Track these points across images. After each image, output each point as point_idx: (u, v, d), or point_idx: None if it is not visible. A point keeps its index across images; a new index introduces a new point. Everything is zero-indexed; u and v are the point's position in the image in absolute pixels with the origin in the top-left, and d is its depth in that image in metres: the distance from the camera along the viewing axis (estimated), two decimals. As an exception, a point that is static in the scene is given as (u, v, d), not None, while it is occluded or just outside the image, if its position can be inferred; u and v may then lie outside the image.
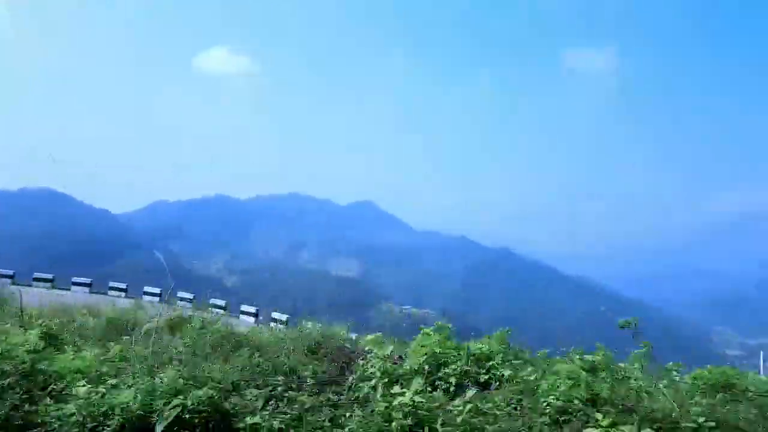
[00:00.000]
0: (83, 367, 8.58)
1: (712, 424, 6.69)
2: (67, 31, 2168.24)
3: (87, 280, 41.24)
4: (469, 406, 7.33)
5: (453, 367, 9.82)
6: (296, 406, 7.73)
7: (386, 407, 7.17)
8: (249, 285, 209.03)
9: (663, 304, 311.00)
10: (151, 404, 6.87)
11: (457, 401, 7.76)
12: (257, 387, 8.39)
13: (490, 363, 10.33)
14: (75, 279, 41.31)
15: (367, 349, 11.71)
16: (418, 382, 8.41)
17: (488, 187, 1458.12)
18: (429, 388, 8.91)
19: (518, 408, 7.91)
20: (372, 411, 7.40)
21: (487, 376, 9.84)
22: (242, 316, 34.77)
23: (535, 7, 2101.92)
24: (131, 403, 6.80)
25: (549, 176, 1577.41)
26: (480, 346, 11.40)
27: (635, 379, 9.45)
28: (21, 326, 11.58)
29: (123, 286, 40.03)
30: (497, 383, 9.52)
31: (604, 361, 10.02)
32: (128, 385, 7.45)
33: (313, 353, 11.59)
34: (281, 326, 29.85)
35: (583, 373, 8.77)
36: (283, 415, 7.25)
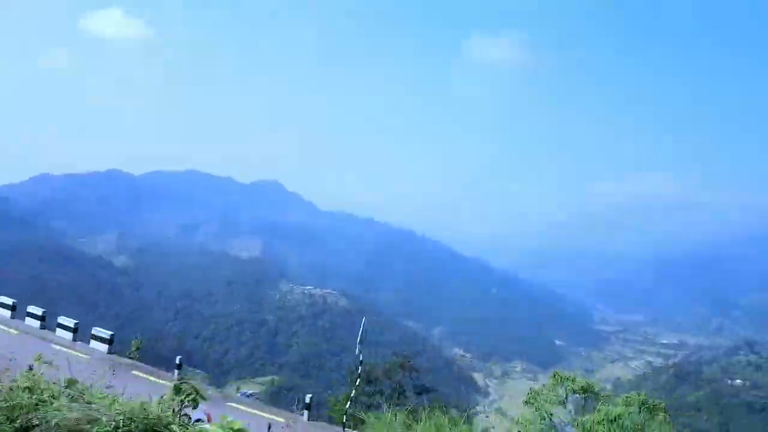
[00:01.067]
0: None
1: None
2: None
3: None
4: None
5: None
6: None
7: None
8: (140, 265, 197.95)
9: (552, 284, 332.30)
10: None
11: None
12: None
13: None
14: None
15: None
16: None
17: (395, 170, 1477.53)
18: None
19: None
20: None
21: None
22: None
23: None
24: None
25: (454, 162, 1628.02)
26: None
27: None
28: None
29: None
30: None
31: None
32: None
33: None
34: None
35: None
36: None
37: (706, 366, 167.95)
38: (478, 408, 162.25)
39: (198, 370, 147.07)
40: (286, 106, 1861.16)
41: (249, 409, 14.15)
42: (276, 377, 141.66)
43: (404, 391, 31.17)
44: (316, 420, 15.38)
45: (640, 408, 12.62)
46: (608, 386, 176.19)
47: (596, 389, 14.13)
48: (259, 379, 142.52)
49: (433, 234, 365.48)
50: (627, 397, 13.15)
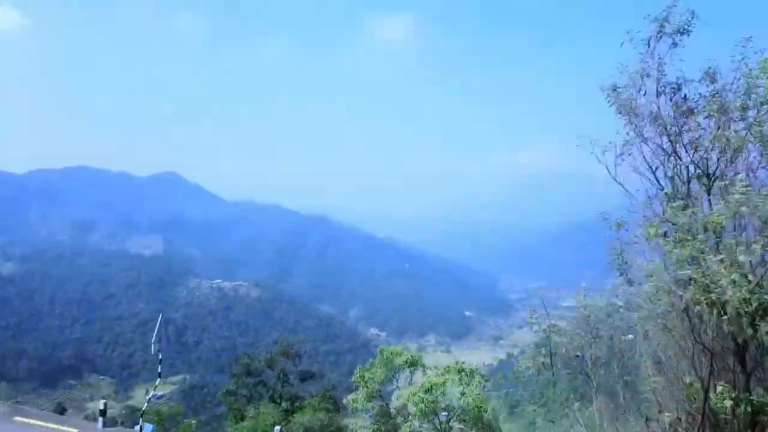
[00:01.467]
0: None
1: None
2: None
3: None
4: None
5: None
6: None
7: None
8: (29, 272, 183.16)
9: (460, 258, 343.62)
10: None
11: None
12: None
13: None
14: None
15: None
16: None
17: (297, 154, 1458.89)
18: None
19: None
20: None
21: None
22: None
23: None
24: None
25: (353, 140, 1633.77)
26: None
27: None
28: None
29: None
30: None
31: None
32: None
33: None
34: None
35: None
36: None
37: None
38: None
39: (102, 377, 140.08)
40: (178, 94, 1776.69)
41: (38, 422, 13.58)
42: (187, 376, 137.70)
43: (288, 379, 31.32)
44: (114, 426, 15.09)
45: (459, 376, 13.52)
46: (515, 351, 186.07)
47: (421, 362, 14.92)
48: (172, 379, 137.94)
49: (343, 217, 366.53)
50: (446, 368, 14.00)
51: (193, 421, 26.55)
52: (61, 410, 70.27)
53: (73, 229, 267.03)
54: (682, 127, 7.59)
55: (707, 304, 5.60)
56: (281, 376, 31.26)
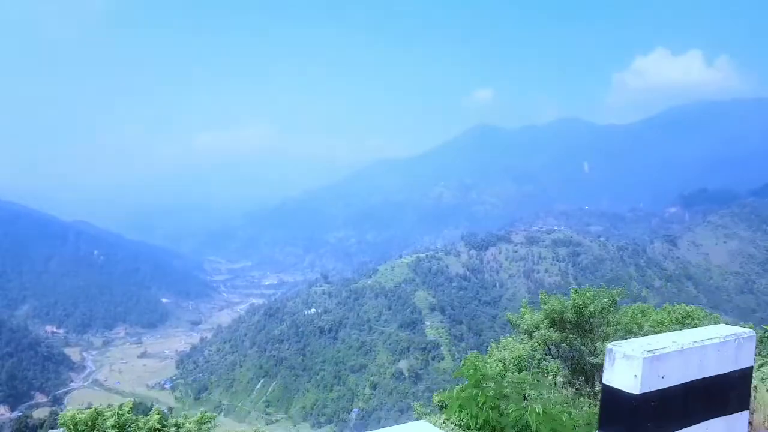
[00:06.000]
0: None
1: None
2: None
3: None
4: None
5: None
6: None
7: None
8: None
9: (161, 240, 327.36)
10: None
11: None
12: None
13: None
14: None
15: None
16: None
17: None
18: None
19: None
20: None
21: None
22: None
23: None
24: None
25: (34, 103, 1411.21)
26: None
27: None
28: None
29: None
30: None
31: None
32: None
33: None
34: None
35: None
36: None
37: (291, 300, 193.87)
38: (72, 385, 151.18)
39: None
40: None
41: None
42: None
43: None
44: None
45: None
46: (209, 335, 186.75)
47: None
48: None
49: (16, 197, 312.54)
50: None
51: None
52: None
53: None
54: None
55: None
56: None
